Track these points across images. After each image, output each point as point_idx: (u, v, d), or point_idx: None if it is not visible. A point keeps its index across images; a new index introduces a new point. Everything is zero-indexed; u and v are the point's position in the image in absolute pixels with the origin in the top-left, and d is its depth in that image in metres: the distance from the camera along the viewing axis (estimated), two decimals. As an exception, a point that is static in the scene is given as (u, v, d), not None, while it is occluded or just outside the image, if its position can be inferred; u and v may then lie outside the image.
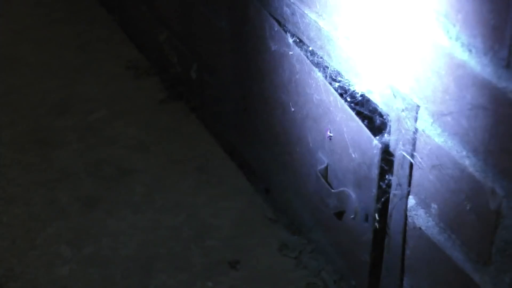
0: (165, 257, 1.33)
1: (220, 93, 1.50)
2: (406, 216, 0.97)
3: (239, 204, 1.44)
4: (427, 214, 0.93)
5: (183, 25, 1.57)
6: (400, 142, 0.93)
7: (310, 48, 1.07)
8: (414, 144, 0.90)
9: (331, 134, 1.04)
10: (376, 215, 1.01)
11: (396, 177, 0.96)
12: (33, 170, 1.54)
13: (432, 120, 0.86)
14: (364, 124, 0.98)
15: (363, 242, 1.07)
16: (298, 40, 1.10)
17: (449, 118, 0.83)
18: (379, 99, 0.95)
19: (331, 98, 1.04)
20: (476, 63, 0.76)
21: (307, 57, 1.08)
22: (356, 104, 1.01)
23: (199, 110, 1.65)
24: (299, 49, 1.09)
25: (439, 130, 0.85)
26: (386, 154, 0.96)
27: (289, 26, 1.11)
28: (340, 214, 1.12)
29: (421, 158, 0.90)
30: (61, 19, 2.06)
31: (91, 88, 1.78)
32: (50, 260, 1.34)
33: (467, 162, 0.82)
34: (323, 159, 1.12)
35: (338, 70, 1.02)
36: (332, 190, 1.09)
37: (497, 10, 0.70)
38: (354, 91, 1.00)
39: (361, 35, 0.94)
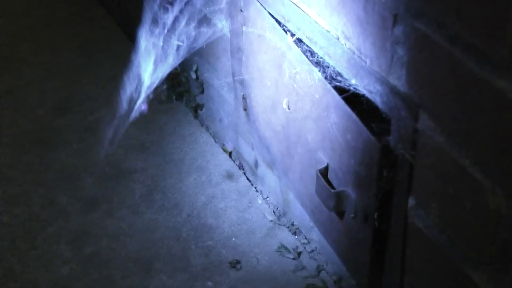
0: (165, 257, 1.33)
1: (220, 93, 1.50)
2: (406, 216, 0.97)
3: (239, 204, 1.44)
4: (427, 214, 0.93)
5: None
6: (400, 142, 0.93)
7: (310, 48, 1.07)
8: (414, 144, 0.90)
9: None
10: (376, 215, 1.01)
11: (396, 177, 0.96)
12: (33, 170, 1.54)
13: (432, 120, 0.86)
14: (364, 124, 0.98)
15: (363, 242, 1.07)
16: (298, 40, 1.10)
17: (449, 118, 0.83)
18: (379, 99, 0.95)
19: (331, 98, 1.04)
20: (475, 63, 0.76)
21: (307, 57, 1.08)
22: (356, 104, 1.01)
23: (199, 110, 1.65)
24: (299, 49, 1.09)
25: (439, 130, 0.85)
26: (386, 154, 0.96)
27: (289, 26, 1.11)
28: (340, 214, 1.11)
29: (421, 158, 0.90)
30: (61, 19, 2.06)
31: (91, 88, 1.78)
32: (50, 260, 1.34)
33: (467, 162, 0.82)
34: (323, 159, 1.12)
35: (338, 70, 1.02)
36: (332, 190, 1.09)
37: (497, 10, 0.70)
38: (354, 91, 1.00)
39: (361, 35, 0.94)
